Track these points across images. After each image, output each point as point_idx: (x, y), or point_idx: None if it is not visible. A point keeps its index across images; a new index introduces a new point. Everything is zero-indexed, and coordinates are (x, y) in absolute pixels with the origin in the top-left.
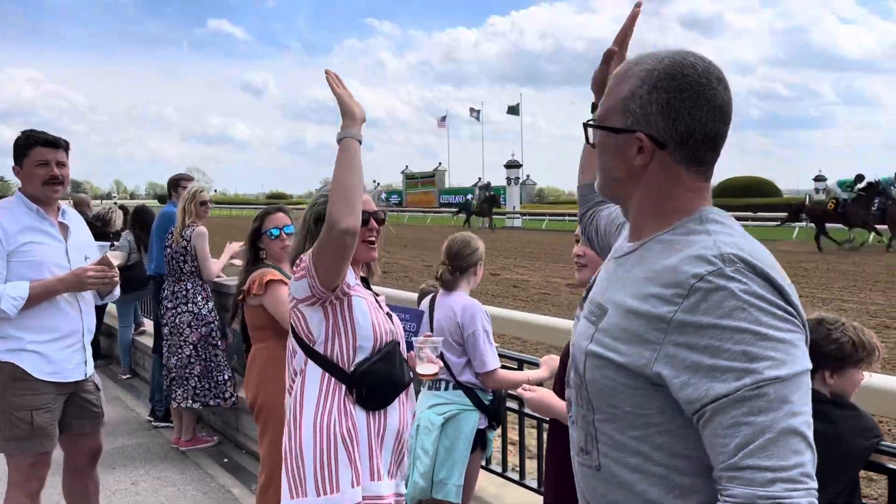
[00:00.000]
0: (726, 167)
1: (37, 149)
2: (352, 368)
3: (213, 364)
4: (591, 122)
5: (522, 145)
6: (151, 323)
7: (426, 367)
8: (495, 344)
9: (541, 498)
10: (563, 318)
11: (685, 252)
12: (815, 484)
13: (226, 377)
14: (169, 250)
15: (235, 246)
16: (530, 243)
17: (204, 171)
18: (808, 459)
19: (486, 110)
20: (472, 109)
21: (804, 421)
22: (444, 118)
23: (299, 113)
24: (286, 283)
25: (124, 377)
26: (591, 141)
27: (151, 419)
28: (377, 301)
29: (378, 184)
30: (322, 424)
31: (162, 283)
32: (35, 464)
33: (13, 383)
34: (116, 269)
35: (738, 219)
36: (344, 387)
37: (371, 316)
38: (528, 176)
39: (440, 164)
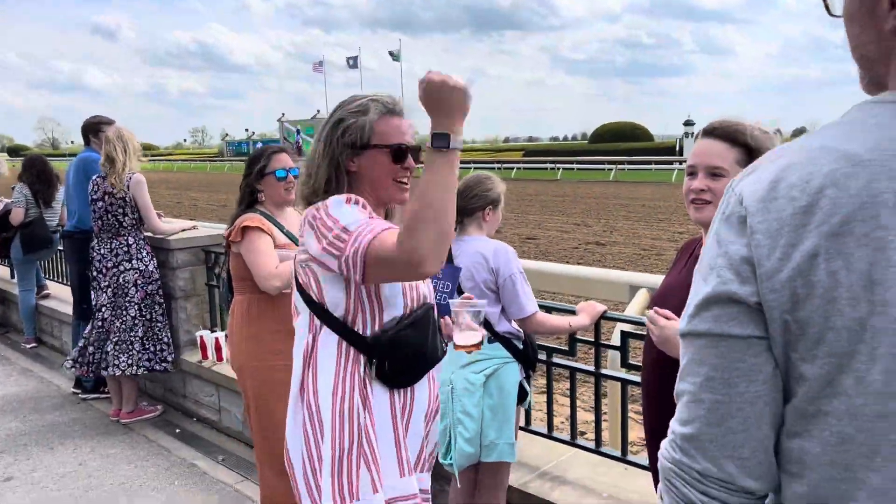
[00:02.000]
0: (596, 114)
1: None
2: (375, 335)
3: (157, 325)
4: None
5: (403, 93)
6: (65, 286)
7: (466, 337)
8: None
9: (567, 448)
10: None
11: None
12: None
13: (169, 338)
14: (101, 203)
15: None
16: None
17: (58, 121)
18: None
19: (361, 57)
20: (349, 59)
21: None
22: (320, 63)
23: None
24: (267, 233)
25: (29, 346)
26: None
27: (78, 391)
28: None
29: (253, 133)
30: (343, 413)
31: (87, 239)
32: None
33: None
34: None
35: (614, 163)
36: (363, 358)
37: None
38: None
39: (318, 111)
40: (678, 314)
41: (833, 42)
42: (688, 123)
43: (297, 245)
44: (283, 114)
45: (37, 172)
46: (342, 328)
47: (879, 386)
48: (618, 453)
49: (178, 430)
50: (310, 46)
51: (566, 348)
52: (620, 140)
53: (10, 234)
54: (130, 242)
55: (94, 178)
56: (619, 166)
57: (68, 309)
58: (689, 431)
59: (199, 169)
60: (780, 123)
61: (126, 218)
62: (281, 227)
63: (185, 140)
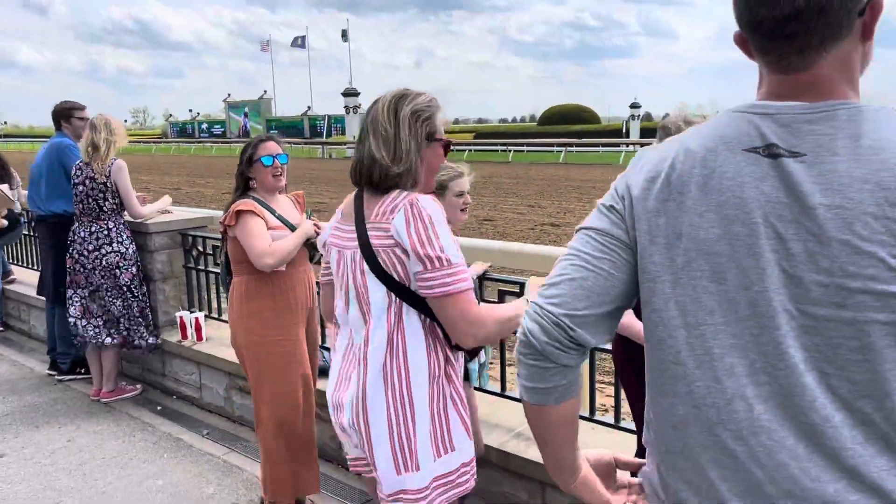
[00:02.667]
0: (544, 95)
1: None
2: None
3: (142, 304)
4: None
5: (351, 73)
6: (32, 270)
7: None
8: None
9: None
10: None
11: None
12: None
13: (149, 321)
14: (82, 187)
15: (168, 199)
16: None
17: None
18: None
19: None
20: (296, 38)
21: None
22: (268, 42)
23: (95, 35)
24: (259, 216)
25: None
26: None
27: (54, 373)
28: None
29: (198, 114)
30: (434, 378)
31: (61, 223)
32: None
33: None
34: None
35: (563, 145)
36: (441, 332)
37: None
38: (360, 105)
39: (265, 92)
40: None
41: None
42: (634, 106)
43: (290, 229)
44: (229, 94)
45: None
46: (424, 305)
47: (673, 315)
48: (586, 414)
49: (159, 408)
50: (253, 25)
51: None
52: (569, 122)
53: None
54: (111, 227)
55: (77, 163)
56: (569, 148)
57: (34, 292)
58: (550, 280)
59: (143, 151)
60: (719, 105)
61: (107, 203)
62: (273, 212)
63: (125, 121)
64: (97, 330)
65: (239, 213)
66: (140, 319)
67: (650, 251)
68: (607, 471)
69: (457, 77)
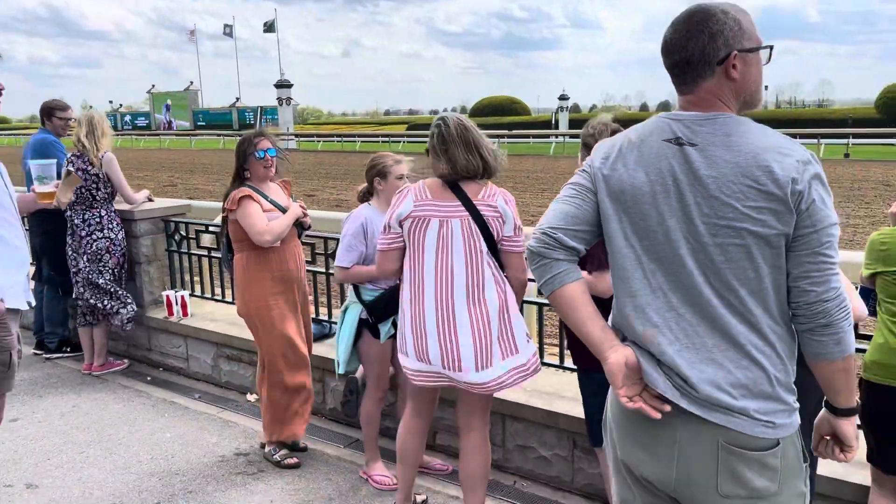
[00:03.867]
0: (473, 86)
1: None
2: None
3: (124, 289)
4: None
5: (280, 64)
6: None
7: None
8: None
9: None
10: None
11: None
12: None
13: (131, 302)
14: None
15: (146, 192)
16: (321, 164)
17: None
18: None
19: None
20: (225, 26)
21: None
22: (192, 32)
23: (4, 23)
24: (256, 201)
25: None
26: None
27: (41, 352)
28: None
29: (121, 105)
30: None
31: (49, 212)
32: (2, 404)
33: None
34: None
35: (493, 136)
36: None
37: None
38: (292, 98)
39: (192, 83)
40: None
41: None
42: (562, 98)
43: (280, 211)
44: (154, 85)
45: None
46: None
47: (630, 241)
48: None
49: (149, 378)
50: (174, 13)
51: None
52: (499, 114)
53: None
54: (102, 214)
55: (68, 156)
56: (501, 140)
57: None
58: (548, 211)
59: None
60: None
61: (99, 192)
62: (265, 197)
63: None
64: (88, 311)
65: (240, 199)
66: (117, 301)
67: (605, 201)
68: (634, 369)
69: (386, 68)
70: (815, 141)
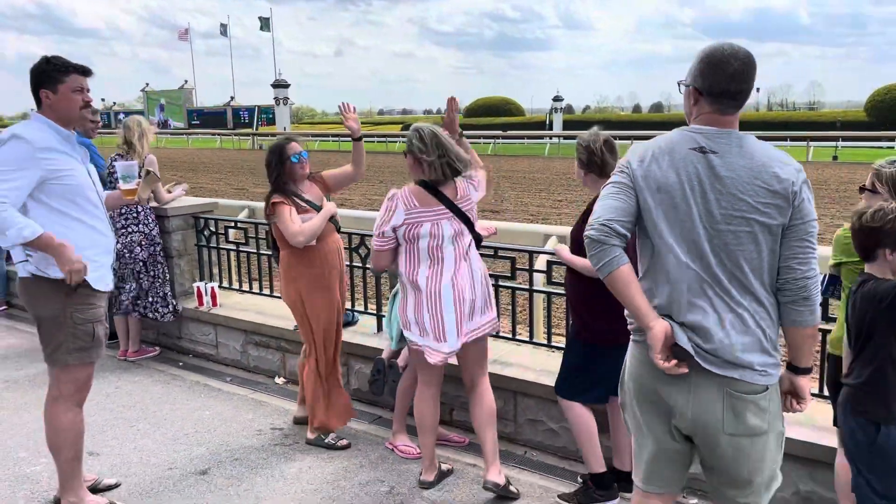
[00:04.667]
0: (466, 86)
1: (73, 75)
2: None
3: (158, 280)
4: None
5: (276, 63)
6: None
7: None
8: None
9: (511, 343)
10: None
11: None
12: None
13: (167, 292)
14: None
15: (185, 186)
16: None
17: None
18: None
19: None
20: (221, 25)
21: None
22: (186, 31)
23: None
24: (288, 205)
25: (0, 309)
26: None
27: None
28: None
29: (115, 103)
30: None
31: None
32: (90, 374)
33: (74, 299)
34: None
35: (489, 137)
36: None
37: None
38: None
39: (186, 81)
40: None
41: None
42: (556, 99)
43: (315, 210)
44: (147, 83)
45: None
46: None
47: (664, 228)
48: (545, 342)
49: (180, 364)
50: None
51: (509, 274)
52: (494, 115)
53: None
54: (139, 210)
55: (112, 156)
56: (496, 140)
57: None
58: (597, 207)
59: None
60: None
61: None
62: (301, 197)
63: (32, 109)
64: (123, 300)
65: (273, 204)
66: (151, 295)
67: (644, 195)
68: (670, 337)
69: (379, 67)
70: (805, 143)
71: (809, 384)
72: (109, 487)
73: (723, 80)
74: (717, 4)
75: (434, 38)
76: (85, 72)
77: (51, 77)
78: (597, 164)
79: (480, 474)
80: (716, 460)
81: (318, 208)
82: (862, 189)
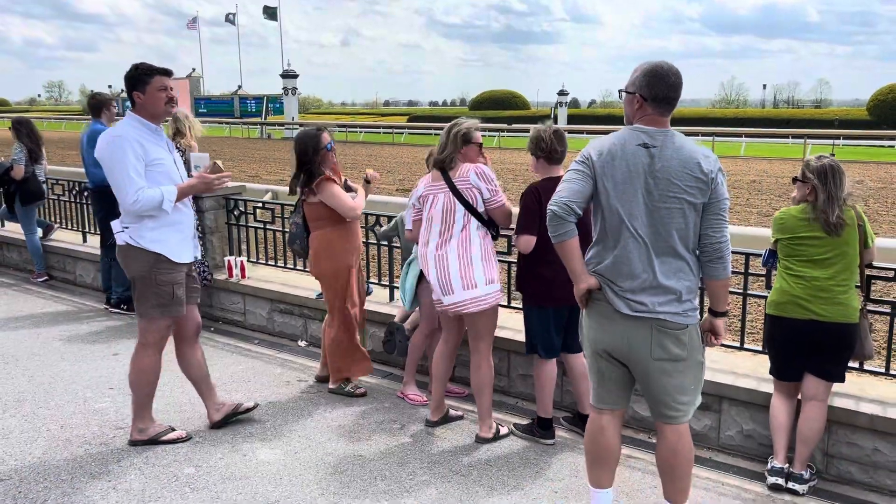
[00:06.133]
0: (472, 78)
1: (157, 77)
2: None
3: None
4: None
5: (283, 52)
6: (74, 231)
7: None
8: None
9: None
10: None
11: None
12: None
13: (203, 263)
14: None
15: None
16: None
17: None
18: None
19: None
20: (228, 14)
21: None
22: (194, 19)
23: None
24: (338, 183)
25: (41, 280)
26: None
27: (107, 307)
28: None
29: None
30: (493, 252)
31: (102, 191)
32: (169, 326)
33: (158, 265)
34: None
35: (494, 130)
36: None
37: None
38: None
39: (194, 69)
40: None
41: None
42: (562, 93)
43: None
44: None
45: (27, 132)
46: (479, 216)
47: (616, 206)
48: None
49: (212, 329)
50: None
51: (505, 250)
52: (499, 108)
53: (12, 189)
54: None
55: None
56: (501, 133)
57: (79, 248)
58: (560, 188)
59: (52, 128)
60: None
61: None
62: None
63: (39, 95)
64: None
65: (324, 181)
66: (198, 264)
67: (601, 181)
68: (594, 289)
69: (385, 58)
70: (802, 141)
71: (725, 324)
72: (249, 409)
73: (664, 89)
74: (726, 0)
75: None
76: (167, 73)
77: (140, 80)
78: (544, 150)
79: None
80: (646, 382)
81: (353, 190)
82: (794, 179)
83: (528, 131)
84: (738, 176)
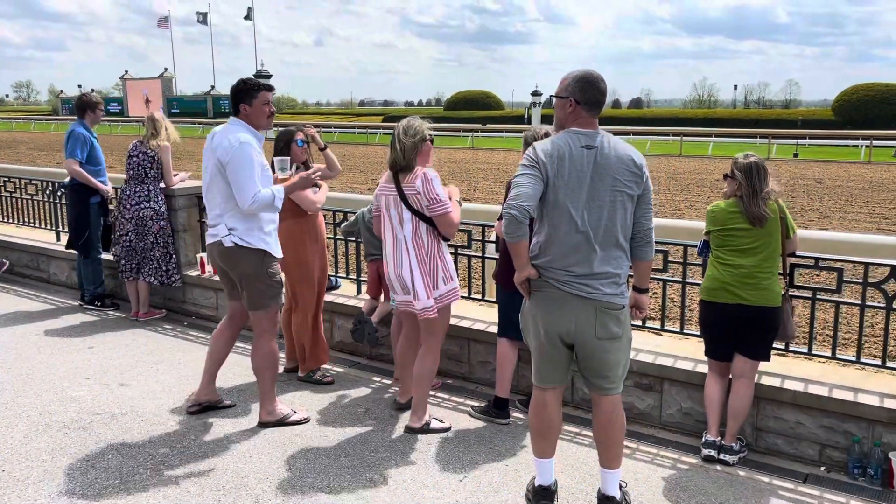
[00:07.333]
0: (447, 78)
1: (263, 92)
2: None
3: (169, 250)
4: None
5: (257, 52)
6: (47, 230)
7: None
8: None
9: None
10: None
11: None
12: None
13: (175, 263)
14: (136, 159)
15: (185, 174)
16: None
17: None
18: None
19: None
20: (198, 13)
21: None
22: (165, 18)
23: None
24: None
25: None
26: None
27: (82, 303)
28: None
29: (93, 90)
30: (445, 253)
31: (83, 190)
32: (277, 312)
33: (266, 261)
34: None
35: (468, 131)
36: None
37: None
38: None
39: (166, 69)
40: None
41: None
42: (535, 94)
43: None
44: (126, 71)
45: None
46: (428, 220)
47: (564, 203)
48: (494, 300)
49: (185, 323)
50: None
51: (466, 244)
52: (474, 108)
53: None
54: (151, 189)
55: (133, 142)
56: (475, 133)
57: (53, 247)
58: (514, 193)
59: (21, 128)
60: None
61: (150, 171)
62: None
63: (7, 96)
64: (133, 267)
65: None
66: (160, 263)
67: (551, 181)
68: (534, 277)
69: (359, 58)
70: (767, 141)
71: (648, 300)
72: (228, 406)
73: (595, 93)
74: (696, 1)
75: (415, 29)
76: (270, 88)
77: (248, 94)
78: None
79: (446, 406)
80: (589, 359)
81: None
82: (725, 176)
83: (501, 132)
84: (703, 174)
